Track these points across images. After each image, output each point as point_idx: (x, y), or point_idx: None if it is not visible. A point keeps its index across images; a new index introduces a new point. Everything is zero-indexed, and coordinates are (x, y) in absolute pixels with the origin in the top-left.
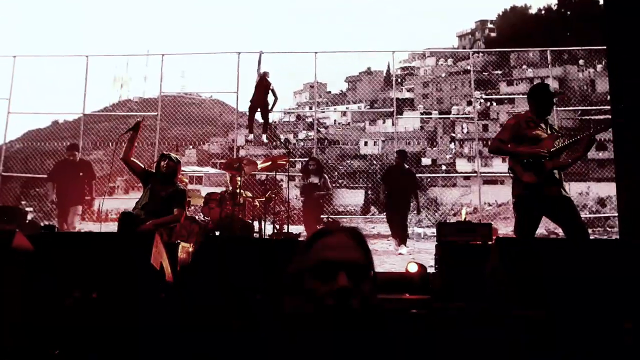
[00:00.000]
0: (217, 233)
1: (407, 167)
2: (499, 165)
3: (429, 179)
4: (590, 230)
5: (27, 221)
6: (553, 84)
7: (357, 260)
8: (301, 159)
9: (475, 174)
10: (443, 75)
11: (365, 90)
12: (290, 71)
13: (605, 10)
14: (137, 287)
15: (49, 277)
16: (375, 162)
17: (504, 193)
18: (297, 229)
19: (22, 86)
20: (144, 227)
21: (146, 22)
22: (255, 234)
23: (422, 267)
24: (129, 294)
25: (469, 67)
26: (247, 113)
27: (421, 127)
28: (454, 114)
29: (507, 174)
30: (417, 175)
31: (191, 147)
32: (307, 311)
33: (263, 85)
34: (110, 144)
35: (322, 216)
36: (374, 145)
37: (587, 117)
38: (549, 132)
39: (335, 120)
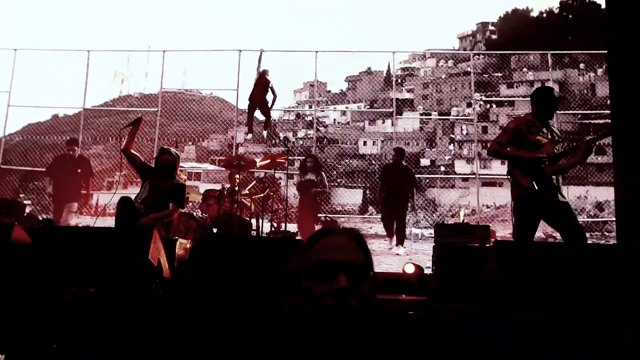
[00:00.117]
0: (215, 230)
1: (405, 164)
2: (498, 168)
3: (427, 180)
4: (588, 234)
5: (25, 214)
6: (553, 87)
7: (357, 261)
8: (300, 158)
9: (474, 176)
10: (443, 76)
11: (365, 90)
12: (290, 70)
13: (607, 14)
14: (135, 282)
15: (47, 274)
16: (374, 162)
17: (502, 195)
18: (295, 227)
19: (22, 79)
20: (143, 221)
21: (148, 18)
22: (252, 232)
23: (419, 268)
24: (127, 289)
25: (469, 69)
26: (247, 110)
27: (420, 128)
28: (453, 116)
29: (506, 177)
30: (416, 176)
31: (190, 143)
32: (306, 310)
33: (262, 83)
34: (110, 138)
35: (319, 215)
36: (373, 145)
37: (587, 121)
38: (549, 136)
39: (334, 120)
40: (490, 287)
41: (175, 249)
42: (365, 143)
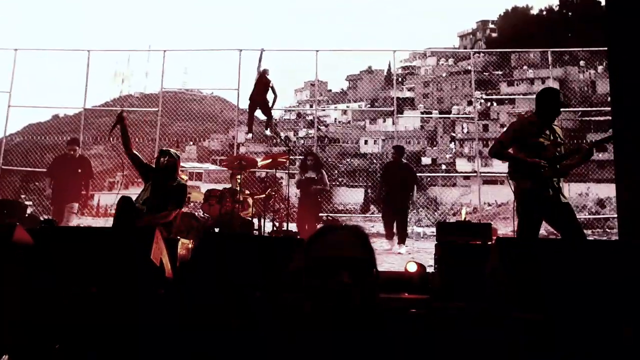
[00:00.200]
0: (217, 230)
1: (405, 162)
2: (499, 166)
3: (428, 179)
4: (589, 232)
5: (26, 215)
6: (553, 85)
7: (359, 257)
8: (301, 157)
9: (475, 174)
10: (444, 74)
11: (366, 89)
12: (291, 69)
13: (607, 12)
14: (136, 282)
15: (48, 274)
16: (375, 161)
17: (503, 193)
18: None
19: (23, 80)
20: (141, 223)
21: (148, 17)
22: (255, 232)
23: (421, 266)
24: (129, 290)
25: (469, 67)
26: (247, 110)
27: (421, 127)
28: (454, 114)
29: (506, 177)
30: (417, 174)
31: (191, 143)
32: (306, 310)
33: (262, 83)
34: (110, 138)
35: (320, 214)
36: (374, 144)
37: (588, 118)
38: (552, 138)
39: (335, 119)
40: (492, 285)
41: (178, 248)
42: (366, 142)
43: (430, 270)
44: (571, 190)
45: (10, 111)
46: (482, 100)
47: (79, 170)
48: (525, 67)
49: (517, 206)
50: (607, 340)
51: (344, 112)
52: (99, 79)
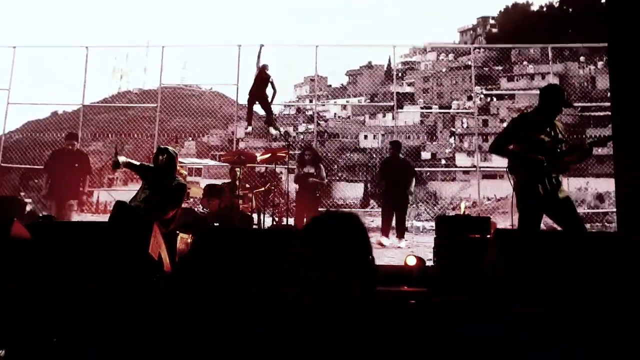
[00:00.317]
0: (216, 224)
1: (403, 157)
2: (498, 160)
3: (428, 173)
4: (588, 226)
5: (25, 212)
6: (553, 81)
7: (355, 246)
8: (299, 152)
9: (474, 169)
10: (444, 70)
11: (366, 84)
12: (290, 64)
13: (607, 7)
14: (135, 277)
15: (47, 270)
16: (374, 156)
17: (503, 187)
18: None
19: (21, 77)
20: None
21: (147, 13)
22: (254, 226)
23: (420, 260)
24: (127, 284)
25: (469, 63)
26: (247, 105)
27: (421, 122)
28: (454, 109)
29: (506, 171)
30: (417, 169)
31: (190, 139)
32: (305, 303)
33: (262, 78)
34: (109, 135)
35: (319, 209)
36: (374, 138)
37: (588, 114)
38: (552, 134)
39: (335, 114)
40: (491, 279)
41: (177, 243)
42: (366, 137)
43: (429, 263)
44: (570, 185)
45: (9, 108)
46: (482, 96)
47: (76, 165)
48: (525, 63)
49: (517, 201)
50: (606, 334)
51: (344, 107)
52: (97, 76)
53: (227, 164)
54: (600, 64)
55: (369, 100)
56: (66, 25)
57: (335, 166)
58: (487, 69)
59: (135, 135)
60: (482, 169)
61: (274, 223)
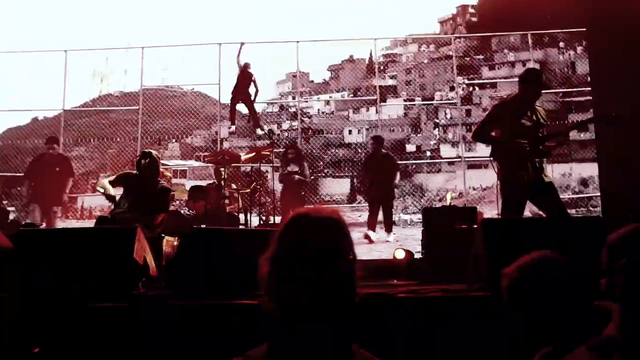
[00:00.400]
0: (203, 226)
1: (385, 152)
2: (483, 150)
3: (413, 166)
4: (573, 211)
5: (8, 221)
6: (542, 70)
7: (335, 243)
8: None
9: (459, 159)
10: (425, 61)
11: (348, 79)
12: (272, 61)
13: None
14: (120, 281)
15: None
16: (360, 150)
17: (488, 177)
18: None
19: None
20: None
21: (125, 15)
22: (241, 226)
23: (409, 253)
24: (113, 289)
25: (450, 53)
26: (229, 104)
27: (405, 114)
28: (437, 100)
29: (490, 159)
30: (402, 162)
31: (174, 140)
32: (301, 302)
33: (245, 77)
34: (92, 139)
35: (304, 206)
36: (358, 133)
37: (569, 99)
38: (534, 118)
39: (318, 110)
40: (477, 267)
41: (163, 246)
42: (350, 132)
43: (418, 256)
44: (555, 171)
45: None
46: (464, 85)
47: (57, 169)
48: (506, 51)
49: (501, 187)
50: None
51: (327, 102)
52: (77, 79)
53: (211, 165)
54: (579, 49)
55: (352, 95)
56: (44, 29)
57: (321, 162)
58: (468, 58)
59: (118, 139)
60: (467, 159)
61: (261, 222)
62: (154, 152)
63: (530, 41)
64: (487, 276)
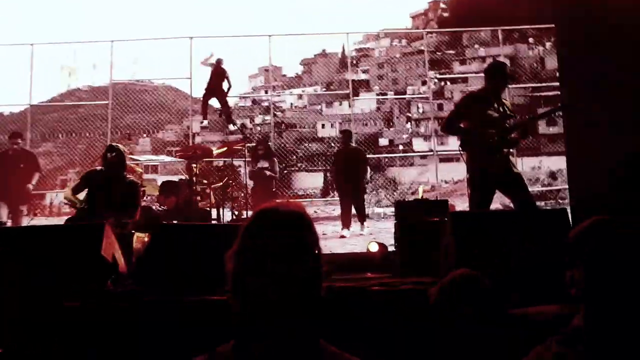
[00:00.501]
0: (174, 222)
1: (354, 146)
2: (455, 143)
3: (386, 159)
4: (542, 203)
5: None
6: (505, 63)
7: (304, 238)
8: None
9: (431, 153)
10: (397, 55)
11: (321, 73)
12: (244, 55)
13: None
14: (89, 279)
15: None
16: (333, 145)
17: (460, 170)
18: None
19: None
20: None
21: (93, 7)
22: (213, 221)
23: (383, 246)
24: (84, 287)
25: (422, 48)
26: (201, 98)
27: (377, 108)
28: (409, 94)
29: (459, 152)
30: (375, 156)
31: (145, 135)
32: (272, 297)
33: (218, 73)
34: (60, 134)
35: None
36: (332, 127)
37: (538, 94)
38: (501, 110)
39: (291, 104)
40: (446, 259)
41: (133, 242)
42: (323, 126)
43: (392, 249)
44: (524, 164)
45: None
46: (436, 80)
47: (21, 166)
48: (476, 46)
49: (469, 177)
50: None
51: (300, 96)
52: (44, 74)
53: (183, 160)
54: (548, 44)
55: (324, 89)
56: (9, 22)
57: (294, 157)
58: (439, 53)
59: (87, 134)
60: (439, 152)
61: (234, 217)
62: (120, 146)
63: (500, 37)
64: (456, 268)
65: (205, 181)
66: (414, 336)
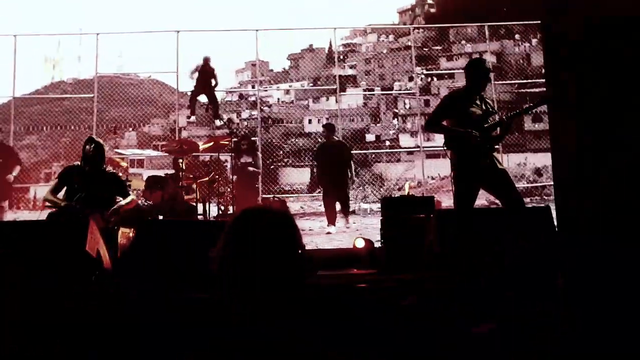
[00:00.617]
0: (160, 217)
1: (338, 139)
2: (441, 140)
3: (373, 155)
4: (528, 199)
5: None
6: (491, 59)
7: (290, 237)
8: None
9: (418, 149)
10: (384, 51)
11: (308, 68)
12: (231, 49)
13: None
14: (73, 275)
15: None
16: (320, 140)
17: (446, 166)
18: None
19: None
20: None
21: None
22: (199, 216)
23: (369, 242)
24: (68, 282)
25: (409, 43)
26: (188, 93)
27: (364, 104)
28: (396, 90)
29: (443, 149)
30: (362, 151)
31: (131, 129)
32: (258, 296)
33: (206, 71)
34: (44, 127)
35: (263, 196)
36: (318, 122)
37: (524, 90)
38: (483, 107)
39: (278, 99)
40: (431, 255)
41: (117, 238)
42: (310, 121)
43: (378, 245)
44: (510, 161)
45: None
46: (423, 76)
47: (0, 161)
48: (463, 42)
49: (454, 174)
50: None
51: (287, 91)
52: (28, 66)
53: (169, 154)
54: (534, 41)
55: (311, 84)
56: None
57: (281, 152)
58: (426, 49)
59: (72, 127)
60: (425, 149)
61: (220, 212)
62: (96, 138)
63: (487, 33)
64: (440, 266)
65: (191, 176)
66: (402, 334)
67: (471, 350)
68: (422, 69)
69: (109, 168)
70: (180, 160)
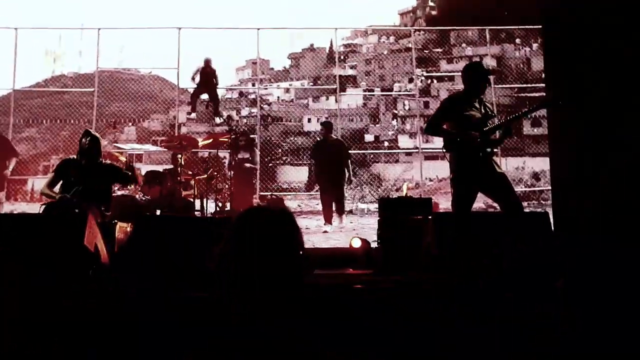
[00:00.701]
0: (158, 212)
1: (335, 137)
2: (440, 141)
3: (371, 156)
4: (525, 203)
5: None
6: (491, 62)
7: (292, 237)
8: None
9: (416, 150)
10: (385, 52)
11: (309, 67)
12: (232, 47)
13: None
14: (71, 269)
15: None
16: (318, 139)
17: (444, 168)
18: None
19: None
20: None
21: None
22: (197, 213)
23: (365, 242)
24: (66, 277)
25: (410, 45)
26: (189, 90)
27: (364, 104)
28: (396, 91)
29: (443, 151)
30: (360, 151)
31: (130, 124)
32: (259, 295)
33: (207, 73)
34: (44, 120)
35: (260, 194)
36: (318, 122)
37: (524, 94)
38: (483, 111)
39: (278, 97)
40: (428, 257)
41: (115, 232)
42: (309, 120)
43: (374, 245)
44: (508, 165)
45: None
46: (423, 78)
47: None
48: (464, 45)
49: (453, 180)
50: (540, 310)
51: (287, 90)
52: (28, 59)
53: (168, 150)
54: (535, 45)
55: (311, 84)
56: None
57: (280, 150)
58: (427, 51)
59: (72, 121)
60: (424, 150)
61: (218, 209)
62: (92, 131)
63: (487, 36)
64: (438, 268)
65: (189, 172)
66: (399, 335)
67: (469, 351)
68: (422, 71)
69: (119, 161)
70: (179, 156)
